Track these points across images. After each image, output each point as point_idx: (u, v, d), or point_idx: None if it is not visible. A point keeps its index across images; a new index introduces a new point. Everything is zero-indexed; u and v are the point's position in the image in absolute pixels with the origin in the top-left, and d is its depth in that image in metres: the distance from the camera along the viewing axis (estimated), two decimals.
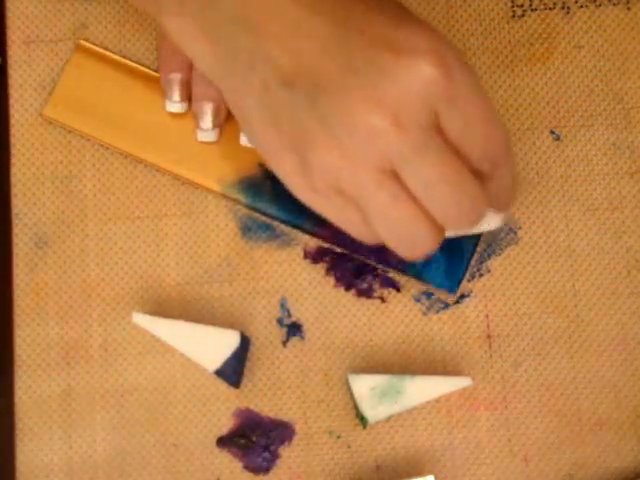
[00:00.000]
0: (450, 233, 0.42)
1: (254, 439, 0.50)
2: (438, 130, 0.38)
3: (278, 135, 0.40)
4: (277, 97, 0.39)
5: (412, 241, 0.40)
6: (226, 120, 0.51)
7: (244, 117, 0.41)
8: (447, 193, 0.39)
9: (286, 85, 0.38)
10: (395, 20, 0.38)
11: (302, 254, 0.52)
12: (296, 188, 0.41)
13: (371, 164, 0.38)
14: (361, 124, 0.37)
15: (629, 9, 0.54)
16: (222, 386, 0.51)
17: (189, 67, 0.50)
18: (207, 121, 0.50)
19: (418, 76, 0.37)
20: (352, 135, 0.38)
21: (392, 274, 0.51)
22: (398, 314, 0.51)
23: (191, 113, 0.51)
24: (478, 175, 0.40)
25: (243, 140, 0.50)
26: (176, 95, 0.51)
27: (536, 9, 0.54)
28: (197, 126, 0.51)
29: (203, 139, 0.51)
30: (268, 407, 0.51)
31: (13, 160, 0.53)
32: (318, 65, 0.38)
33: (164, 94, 0.51)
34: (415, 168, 0.38)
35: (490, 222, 0.45)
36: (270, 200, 0.51)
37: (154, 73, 0.52)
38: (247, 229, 0.52)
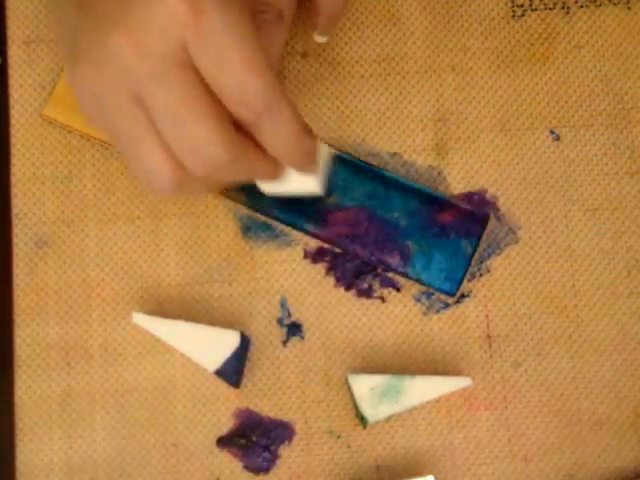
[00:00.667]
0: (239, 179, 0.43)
1: (254, 439, 0.50)
2: (189, 65, 0.39)
3: (63, 48, 0.43)
4: (70, 14, 0.42)
5: (149, 171, 0.41)
6: None
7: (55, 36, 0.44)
8: (183, 128, 0.39)
9: (76, 6, 0.41)
10: None
11: (302, 254, 0.52)
12: (75, 96, 0.42)
13: (117, 86, 0.40)
14: (107, 46, 0.39)
15: (629, 9, 0.54)
16: (222, 386, 0.51)
17: None
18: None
19: (166, 8, 0.38)
20: (102, 54, 0.39)
21: (392, 274, 0.51)
22: (398, 314, 0.51)
23: None
24: (242, 121, 0.41)
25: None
26: None
27: (536, 9, 0.54)
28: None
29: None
30: (268, 407, 0.51)
31: (13, 160, 0.53)
32: None
33: None
34: (151, 95, 0.39)
35: (304, 185, 0.45)
36: (270, 200, 0.51)
37: None
38: (247, 229, 0.52)
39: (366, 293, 0.51)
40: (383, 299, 0.51)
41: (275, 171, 0.44)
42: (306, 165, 0.44)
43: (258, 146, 0.42)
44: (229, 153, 0.40)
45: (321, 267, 0.52)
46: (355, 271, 0.52)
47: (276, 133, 0.41)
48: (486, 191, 0.52)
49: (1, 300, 0.51)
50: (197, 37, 0.38)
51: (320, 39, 0.52)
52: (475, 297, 0.52)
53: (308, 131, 0.43)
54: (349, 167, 0.51)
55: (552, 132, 0.53)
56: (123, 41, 0.39)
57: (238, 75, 0.39)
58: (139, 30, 0.38)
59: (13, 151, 0.53)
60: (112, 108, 0.40)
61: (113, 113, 0.40)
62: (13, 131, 0.53)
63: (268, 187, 0.46)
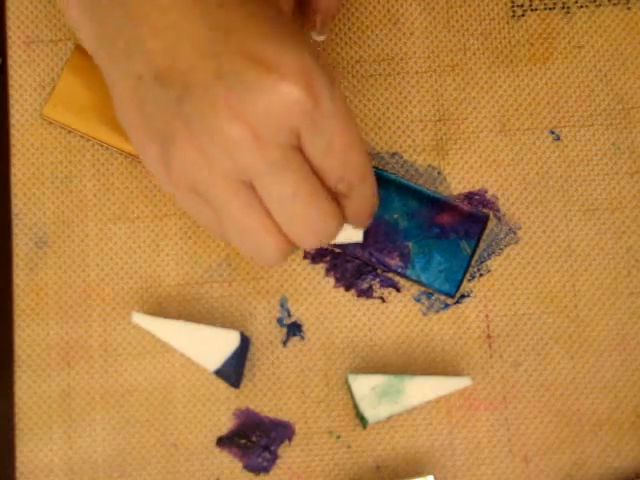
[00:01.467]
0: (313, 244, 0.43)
1: (254, 439, 0.50)
2: (299, 149, 0.39)
3: (145, 123, 0.40)
4: (148, 88, 0.39)
5: (259, 250, 0.42)
6: None
7: (118, 100, 0.42)
8: (298, 211, 0.40)
9: (157, 79, 0.39)
10: (271, 33, 0.39)
11: (302, 254, 0.52)
12: (158, 178, 0.42)
13: (227, 172, 0.39)
14: (221, 132, 0.38)
15: (629, 9, 0.54)
16: (222, 386, 0.51)
17: None
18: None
19: (282, 95, 0.37)
20: (212, 141, 0.38)
21: (392, 274, 0.51)
22: (398, 314, 0.51)
23: None
24: (336, 193, 0.42)
25: None
26: None
27: (536, 9, 0.54)
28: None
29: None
30: (268, 407, 0.51)
31: (13, 160, 0.53)
32: (191, 65, 0.38)
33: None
34: (269, 184, 0.39)
35: (351, 236, 0.47)
36: None
37: None
38: None
39: (366, 293, 0.51)
40: (383, 299, 0.51)
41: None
42: (369, 223, 0.46)
43: None
44: (338, 227, 0.42)
45: (321, 267, 0.52)
46: (355, 271, 0.52)
47: (364, 200, 0.43)
48: (486, 191, 0.52)
49: (1, 300, 0.51)
50: (312, 124, 0.38)
51: (319, 38, 0.52)
52: (475, 297, 0.52)
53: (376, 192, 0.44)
54: None
55: (552, 132, 0.53)
56: (241, 131, 0.38)
57: (344, 155, 0.40)
58: (257, 118, 0.38)
59: (13, 151, 0.53)
60: (220, 193, 0.40)
61: (221, 198, 0.40)
62: (13, 131, 0.53)
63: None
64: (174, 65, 0.39)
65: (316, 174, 0.40)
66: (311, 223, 0.41)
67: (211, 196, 0.40)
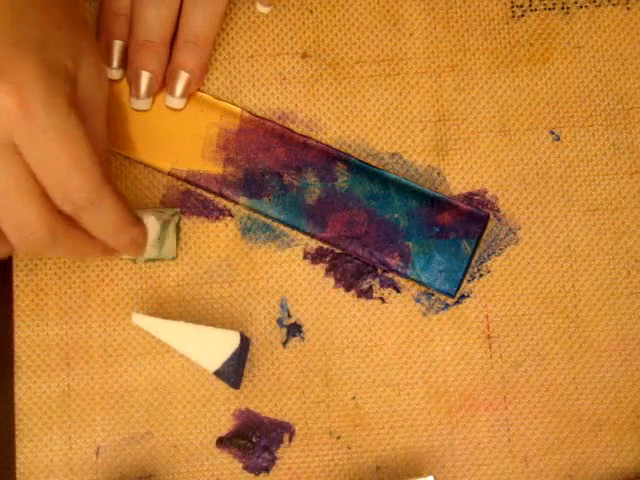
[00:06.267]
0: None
1: (254, 440, 0.50)
2: (17, 152, 0.40)
3: None
4: None
5: None
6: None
7: None
8: (7, 210, 0.41)
9: None
10: (16, 40, 0.41)
11: (302, 255, 0.52)
12: None
13: None
14: None
15: (629, 9, 0.54)
16: (222, 387, 0.51)
17: (127, 33, 0.51)
18: (142, 89, 0.51)
19: None
20: None
21: (392, 274, 0.51)
22: (398, 314, 0.51)
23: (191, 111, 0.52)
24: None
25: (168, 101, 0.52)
26: (115, 61, 0.51)
27: (536, 9, 0.54)
28: (131, 94, 0.51)
29: (137, 107, 0.52)
30: (268, 408, 0.51)
31: None
32: None
33: (103, 60, 0.50)
34: None
35: (149, 252, 0.49)
36: (270, 201, 0.51)
37: None
38: (247, 230, 0.52)
39: (366, 294, 0.51)
40: (383, 300, 0.51)
41: (107, 251, 0.46)
42: (132, 251, 0.47)
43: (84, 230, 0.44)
44: (50, 235, 0.42)
45: (321, 268, 0.52)
46: (355, 272, 0.52)
47: (98, 224, 0.44)
48: (486, 191, 0.52)
49: (1, 300, 0.51)
50: (24, 136, 0.40)
51: (263, 9, 0.52)
52: (475, 297, 0.52)
53: (132, 222, 0.45)
54: (349, 168, 0.51)
55: (552, 132, 0.53)
56: None
57: (61, 174, 0.41)
58: None
59: None
60: None
61: None
62: None
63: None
64: None
65: (38, 184, 0.41)
66: (19, 222, 0.41)
67: None
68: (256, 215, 0.52)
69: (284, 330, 0.51)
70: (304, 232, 0.51)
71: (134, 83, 0.51)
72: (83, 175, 0.41)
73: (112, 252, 0.47)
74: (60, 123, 0.40)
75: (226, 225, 0.52)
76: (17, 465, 0.50)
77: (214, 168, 0.52)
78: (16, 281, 0.52)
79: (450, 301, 0.51)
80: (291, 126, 0.53)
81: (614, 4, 0.54)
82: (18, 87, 0.39)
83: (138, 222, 0.46)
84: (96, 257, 0.46)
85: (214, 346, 0.48)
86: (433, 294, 0.51)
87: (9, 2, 0.41)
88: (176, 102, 0.51)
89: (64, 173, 0.41)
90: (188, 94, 0.52)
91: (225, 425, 0.51)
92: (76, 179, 0.41)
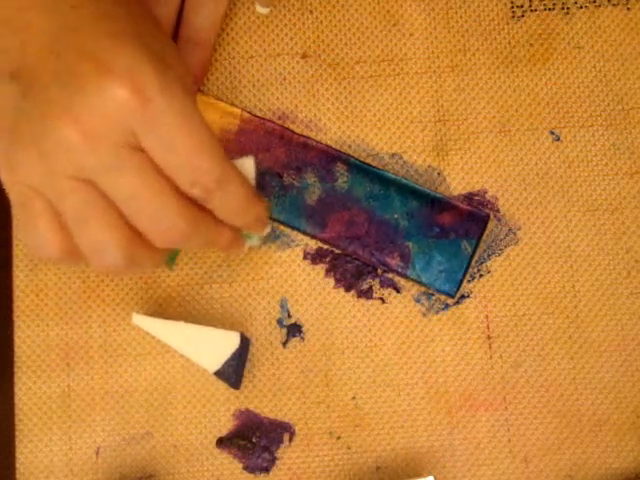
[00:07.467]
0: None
1: (254, 440, 0.50)
2: (139, 149, 0.39)
3: None
4: (4, 85, 0.40)
5: (98, 248, 0.40)
6: None
7: None
8: (142, 209, 0.40)
9: (12, 77, 0.39)
10: (114, 32, 0.39)
11: (302, 255, 0.52)
12: (1, 172, 0.41)
13: (65, 171, 0.39)
14: (54, 132, 0.38)
15: (629, 10, 0.54)
16: (222, 387, 0.51)
17: None
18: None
19: (109, 97, 0.38)
20: (47, 142, 0.38)
21: (392, 274, 0.51)
22: (398, 315, 0.51)
23: None
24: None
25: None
26: None
27: (536, 10, 0.54)
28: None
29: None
30: (268, 408, 0.51)
31: None
32: (36, 64, 0.39)
33: None
34: (108, 182, 0.39)
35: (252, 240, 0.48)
36: (270, 201, 0.51)
37: None
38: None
39: (366, 294, 0.51)
40: (383, 300, 0.51)
41: (236, 240, 0.45)
42: (258, 228, 0.46)
43: (215, 217, 0.43)
44: (189, 225, 0.41)
45: (321, 268, 0.52)
46: (355, 272, 0.52)
47: (227, 205, 0.42)
48: (486, 191, 0.52)
49: (1, 300, 0.51)
50: (144, 123, 0.38)
51: (262, 10, 0.52)
52: (475, 298, 0.52)
53: (257, 196, 0.44)
54: (349, 168, 0.51)
55: (552, 132, 0.53)
56: (72, 130, 0.38)
57: (187, 156, 0.40)
58: (87, 119, 0.38)
59: None
60: (53, 189, 0.39)
61: (59, 195, 0.39)
62: None
63: None
64: (24, 63, 0.39)
65: (166, 174, 0.40)
66: (158, 218, 0.40)
67: (50, 195, 0.40)
68: None
69: (284, 330, 0.51)
70: (304, 232, 0.51)
71: None
72: (209, 156, 0.40)
73: (237, 240, 0.46)
74: (179, 105, 0.39)
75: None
76: (17, 465, 0.50)
77: None
78: (16, 281, 0.52)
79: (450, 301, 0.51)
80: (291, 126, 0.53)
81: (614, 4, 0.54)
82: (130, 76, 0.38)
83: (259, 196, 0.45)
84: (223, 247, 0.45)
85: (214, 346, 0.48)
86: (433, 294, 0.51)
87: (94, 1, 0.40)
88: None
89: (191, 156, 0.40)
90: None
91: (225, 425, 0.51)
92: (203, 160, 0.40)
